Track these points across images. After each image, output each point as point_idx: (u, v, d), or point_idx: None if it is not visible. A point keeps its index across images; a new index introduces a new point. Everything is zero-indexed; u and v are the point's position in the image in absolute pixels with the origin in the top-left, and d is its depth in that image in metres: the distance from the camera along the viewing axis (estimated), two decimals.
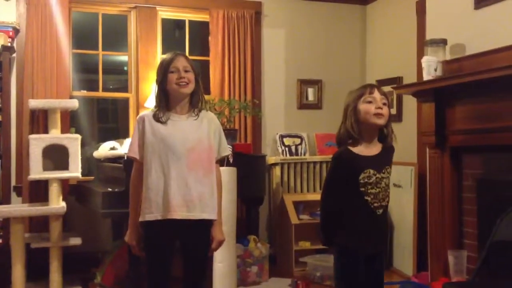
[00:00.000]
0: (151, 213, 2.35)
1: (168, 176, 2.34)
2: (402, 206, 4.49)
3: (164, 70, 2.39)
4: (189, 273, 2.45)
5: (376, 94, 2.27)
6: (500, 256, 2.93)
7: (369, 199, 2.24)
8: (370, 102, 2.26)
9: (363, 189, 2.24)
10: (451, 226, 3.55)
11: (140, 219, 2.38)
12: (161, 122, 2.38)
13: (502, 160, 3.25)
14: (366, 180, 2.24)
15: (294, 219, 4.53)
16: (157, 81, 2.45)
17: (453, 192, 3.56)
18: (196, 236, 2.42)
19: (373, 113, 2.24)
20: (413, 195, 4.33)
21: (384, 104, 2.27)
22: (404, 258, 4.44)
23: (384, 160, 2.29)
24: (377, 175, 2.25)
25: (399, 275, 4.39)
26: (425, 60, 3.53)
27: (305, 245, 4.55)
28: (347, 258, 2.31)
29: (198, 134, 2.41)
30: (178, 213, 2.34)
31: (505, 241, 2.78)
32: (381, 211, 2.26)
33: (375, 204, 2.25)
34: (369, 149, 2.29)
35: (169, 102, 2.42)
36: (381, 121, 2.26)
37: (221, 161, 2.70)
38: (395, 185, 4.55)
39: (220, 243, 2.48)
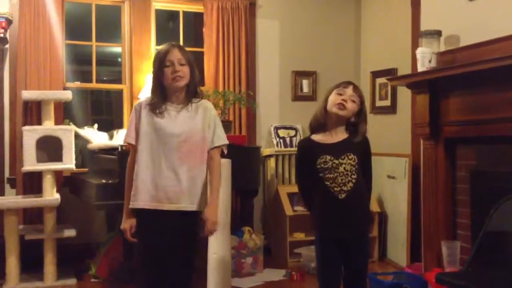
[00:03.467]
0: (137, 201, 2.38)
1: (159, 167, 2.36)
2: (396, 197, 4.51)
3: (159, 64, 2.39)
4: (175, 263, 2.44)
5: (349, 90, 2.45)
6: (493, 246, 2.95)
7: (328, 183, 2.40)
8: (339, 94, 2.44)
9: (321, 174, 2.41)
10: (445, 217, 3.57)
11: (130, 206, 2.41)
12: (157, 113, 2.39)
13: (496, 151, 3.27)
14: (322, 165, 2.41)
15: (288, 210, 4.54)
16: (153, 73, 2.46)
17: (446, 183, 3.58)
18: (182, 227, 2.42)
19: (336, 102, 2.42)
20: (407, 186, 4.35)
21: (353, 101, 2.43)
22: (397, 248, 4.47)
23: (345, 147, 2.44)
24: (334, 161, 2.41)
25: (393, 266, 4.42)
26: (419, 51, 3.53)
27: (300, 236, 4.56)
28: (318, 243, 2.50)
29: (191, 126, 2.41)
30: (166, 204, 2.36)
31: (498, 232, 2.79)
32: (343, 195, 2.40)
33: (335, 189, 2.40)
34: (330, 137, 2.47)
35: (166, 93, 2.43)
36: (341, 112, 2.42)
37: (220, 148, 2.63)
38: (389, 176, 4.57)
39: (213, 224, 2.44)
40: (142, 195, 2.38)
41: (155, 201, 2.37)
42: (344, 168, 2.39)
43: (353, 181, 2.40)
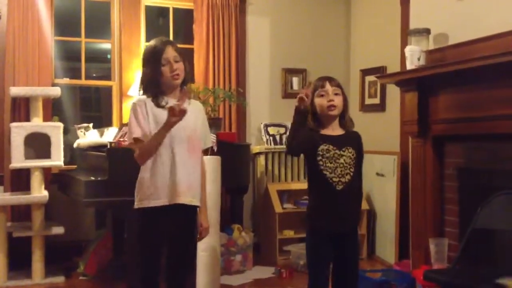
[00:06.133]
0: (158, 199, 2.35)
1: (174, 161, 2.35)
2: (384, 195, 4.53)
3: (156, 62, 2.36)
4: (176, 258, 2.46)
5: (328, 86, 2.46)
6: (480, 244, 2.99)
7: (327, 173, 2.41)
8: (322, 95, 2.45)
9: (321, 162, 2.41)
10: (433, 214, 3.60)
11: (146, 205, 2.35)
12: (162, 107, 2.36)
13: (483, 149, 3.29)
14: (324, 152, 2.42)
15: (278, 208, 4.55)
16: (147, 70, 2.41)
17: (435, 180, 3.60)
18: (187, 221, 2.45)
19: (326, 106, 2.43)
20: (396, 184, 4.37)
21: (336, 94, 2.46)
22: (386, 246, 4.50)
23: (346, 141, 2.47)
24: (336, 151, 2.43)
25: (381, 263, 4.45)
26: (408, 49, 3.55)
27: (289, 234, 4.57)
28: (310, 234, 2.49)
29: (192, 121, 2.43)
30: (183, 198, 2.36)
31: (485, 229, 2.82)
32: (341, 187, 2.41)
33: (334, 179, 2.41)
34: (330, 131, 2.48)
35: (162, 89, 2.40)
36: (334, 112, 2.46)
37: (206, 150, 2.72)
38: (378, 174, 4.59)
39: (207, 230, 2.55)
40: (162, 192, 2.34)
41: (174, 196, 2.35)
42: (344, 160, 2.41)
43: (351, 174, 2.42)
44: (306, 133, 2.40)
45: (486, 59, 2.95)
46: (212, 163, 3.46)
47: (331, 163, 2.40)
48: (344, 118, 2.50)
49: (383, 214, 4.58)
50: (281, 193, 4.71)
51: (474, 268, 2.96)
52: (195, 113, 2.47)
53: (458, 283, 2.58)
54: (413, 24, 3.78)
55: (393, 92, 4.48)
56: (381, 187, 4.57)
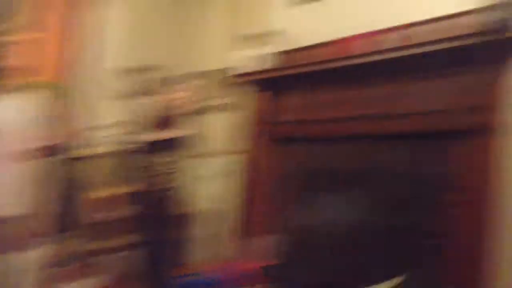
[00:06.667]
0: None
1: None
2: (225, 195, 4.46)
3: None
4: None
5: (172, 87, 2.59)
6: (301, 240, 3.17)
7: (155, 180, 2.48)
8: (164, 95, 2.57)
9: (150, 169, 2.49)
10: (268, 212, 3.69)
11: None
12: None
13: (322, 151, 3.47)
14: (151, 163, 2.48)
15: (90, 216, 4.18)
16: None
17: (275, 180, 3.72)
18: None
19: (169, 105, 2.55)
20: (237, 184, 4.32)
21: (180, 94, 2.58)
22: (217, 247, 4.37)
23: (176, 145, 2.53)
24: (155, 158, 2.51)
25: (214, 264, 4.33)
26: (259, 51, 3.62)
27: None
28: None
29: (7, 123, 2.20)
30: None
31: (306, 226, 2.96)
32: (166, 192, 2.49)
33: (163, 184, 2.51)
34: (161, 134, 2.52)
35: None
36: (178, 111, 2.56)
37: (40, 150, 2.36)
38: (218, 174, 4.52)
39: None
40: None
41: None
42: (164, 165, 2.51)
43: (176, 178, 2.54)
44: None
45: (325, 63, 3.10)
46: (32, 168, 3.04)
47: (158, 170, 2.48)
48: (184, 118, 2.53)
49: (220, 214, 4.49)
50: (99, 200, 4.34)
51: (297, 263, 3.14)
52: (18, 110, 2.21)
53: (283, 277, 2.71)
54: (269, 26, 3.83)
55: (243, 93, 4.45)
56: (221, 188, 4.50)
